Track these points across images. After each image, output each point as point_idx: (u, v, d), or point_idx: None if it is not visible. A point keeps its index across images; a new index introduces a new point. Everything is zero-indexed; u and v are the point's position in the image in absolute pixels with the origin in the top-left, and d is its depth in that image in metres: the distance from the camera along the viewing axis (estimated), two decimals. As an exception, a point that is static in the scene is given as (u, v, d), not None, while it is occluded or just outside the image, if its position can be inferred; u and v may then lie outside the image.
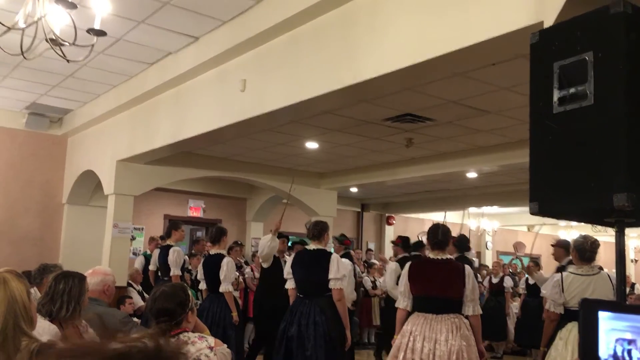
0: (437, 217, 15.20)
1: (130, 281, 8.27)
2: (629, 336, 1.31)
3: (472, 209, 14.92)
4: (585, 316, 1.36)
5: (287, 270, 5.06)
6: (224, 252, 6.57)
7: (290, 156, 9.63)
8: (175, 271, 6.93)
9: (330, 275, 4.69)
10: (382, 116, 6.97)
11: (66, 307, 2.97)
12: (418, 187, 12.17)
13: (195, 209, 12.74)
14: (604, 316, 1.32)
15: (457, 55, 3.78)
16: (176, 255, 6.98)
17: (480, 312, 4.24)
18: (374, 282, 10.35)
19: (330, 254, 4.87)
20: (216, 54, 5.92)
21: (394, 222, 15.61)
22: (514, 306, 9.95)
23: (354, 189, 12.37)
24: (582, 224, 2.86)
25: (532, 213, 2.20)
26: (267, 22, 5.17)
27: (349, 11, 4.59)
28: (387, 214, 15.65)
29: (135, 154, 7.90)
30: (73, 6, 3.26)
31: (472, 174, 9.99)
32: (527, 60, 2.31)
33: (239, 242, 9.18)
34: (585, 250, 4.53)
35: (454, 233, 5.38)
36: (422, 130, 7.50)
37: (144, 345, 0.80)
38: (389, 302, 6.88)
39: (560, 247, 6.19)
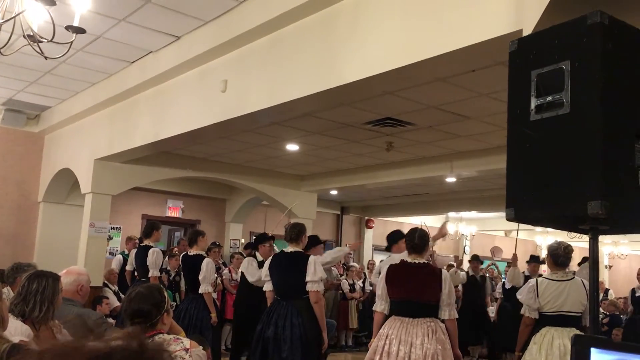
0: (416, 220, 15.30)
1: (106, 281, 8.18)
2: None
3: (451, 214, 15.05)
4: (577, 353, 1.37)
5: (265, 273, 5.05)
6: (203, 253, 6.53)
7: (271, 158, 9.61)
8: (154, 272, 6.86)
9: (308, 278, 4.69)
10: (362, 120, 6.99)
11: (39, 308, 2.92)
12: (398, 190, 12.23)
13: (174, 209, 12.64)
14: (596, 353, 1.33)
15: (437, 60, 3.81)
16: (155, 256, 6.91)
17: (457, 316, 4.27)
18: (352, 285, 10.37)
19: (308, 256, 4.87)
20: (197, 54, 5.90)
21: (373, 225, 15.65)
22: (490, 310, 10.03)
23: (333, 192, 12.39)
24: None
25: (508, 219, 2.22)
26: (250, 23, 5.16)
27: (331, 15, 4.60)
28: (366, 217, 15.69)
29: (113, 152, 7.83)
30: (52, 3, 3.22)
31: (450, 179, 10.07)
32: (507, 68, 2.34)
33: (218, 244, 9.13)
34: (559, 256, 4.59)
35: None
36: (402, 134, 7.54)
37: (127, 344, 0.79)
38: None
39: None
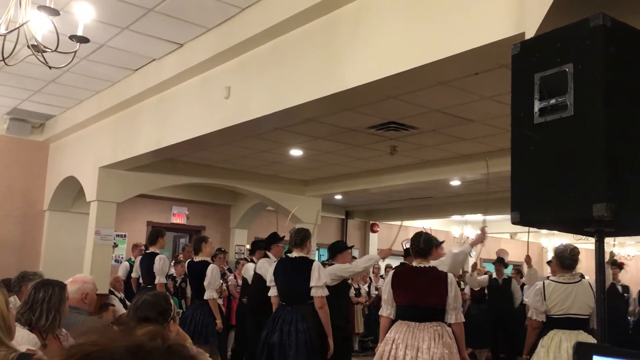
0: (421, 224, 15.27)
1: (112, 289, 8.19)
2: None
3: (456, 217, 15.01)
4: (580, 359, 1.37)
5: (270, 278, 5.04)
6: (209, 259, 6.54)
7: (275, 163, 9.62)
8: (160, 279, 6.87)
9: (312, 283, 4.68)
10: (366, 124, 6.99)
11: (46, 316, 2.94)
12: (402, 194, 12.22)
13: (178, 216, 12.66)
14: (598, 359, 1.33)
15: (440, 64, 3.81)
16: (162, 263, 6.92)
17: (463, 319, 4.25)
18: (357, 290, 10.35)
19: (312, 261, 4.86)
20: (200, 61, 5.92)
21: (378, 229, 15.64)
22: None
23: (338, 197, 12.38)
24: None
25: (514, 222, 2.21)
26: (252, 29, 5.18)
27: (333, 20, 4.61)
28: (371, 221, 15.68)
29: (118, 160, 7.85)
30: (55, 13, 3.24)
31: (455, 182, 10.05)
32: (510, 70, 2.34)
33: (223, 250, 9.14)
34: (565, 258, 4.57)
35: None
36: (405, 138, 7.53)
37: (154, 338, 0.82)
38: None
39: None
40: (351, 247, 5.98)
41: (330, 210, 14.15)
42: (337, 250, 5.69)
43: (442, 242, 5.51)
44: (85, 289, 3.76)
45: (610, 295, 7.79)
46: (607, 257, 7.81)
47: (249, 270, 7.35)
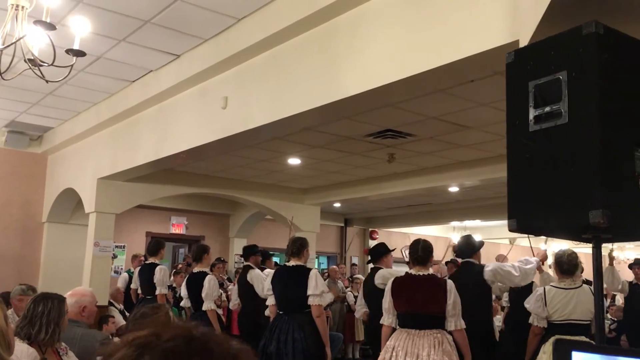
0: (420, 231, 15.28)
1: (112, 300, 8.17)
2: None
3: (455, 223, 15.01)
4: (559, 356, 1.39)
5: (267, 287, 5.04)
6: (207, 269, 6.53)
7: (273, 172, 9.63)
8: (161, 290, 6.84)
9: (309, 292, 4.68)
10: (363, 132, 7.01)
11: (45, 330, 2.93)
12: (401, 201, 12.23)
13: (177, 226, 12.66)
14: (577, 356, 1.35)
15: (436, 72, 3.83)
16: (162, 273, 6.90)
17: (464, 326, 4.24)
18: (357, 297, 10.33)
19: (309, 270, 4.86)
20: (197, 72, 5.93)
21: (377, 236, 15.63)
22: (497, 319, 9.95)
23: (337, 204, 12.39)
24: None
25: (511, 230, 2.22)
26: (248, 40, 5.20)
27: (329, 30, 4.63)
28: (370, 229, 15.68)
29: (116, 171, 7.85)
30: (52, 27, 3.26)
31: (454, 188, 10.06)
32: (505, 78, 2.35)
33: (222, 259, 9.13)
34: (563, 263, 4.58)
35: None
36: (403, 145, 7.55)
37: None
38: None
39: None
40: (393, 250, 6.02)
41: (330, 218, 14.16)
42: (378, 254, 5.78)
43: (482, 244, 5.78)
44: (83, 302, 3.75)
45: (633, 296, 7.70)
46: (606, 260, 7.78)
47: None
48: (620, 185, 1.97)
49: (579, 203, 1.95)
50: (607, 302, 11.18)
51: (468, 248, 5.65)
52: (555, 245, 14.44)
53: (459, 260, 6.40)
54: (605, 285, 7.92)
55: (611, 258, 7.82)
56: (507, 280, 5.13)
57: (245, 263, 7.09)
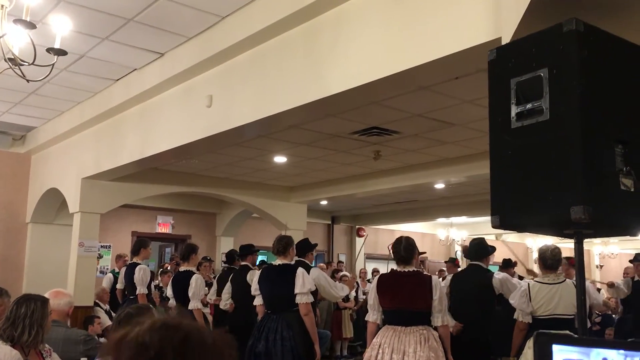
0: (407, 227, 15.34)
1: (97, 300, 8.12)
2: (576, 356, 1.36)
3: (441, 220, 15.08)
4: (539, 350, 1.41)
5: (255, 287, 5.03)
6: (194, 269, 6.50)
7: (259, 170, 9.61)
8: (141, 290, 6.81)
9: (296, 290, 4.67)
10: (349, 130, 7.02)
11: (28, 332, 2.91)
12: (387, 198, 12.26)
13: (164, 225, 12.60)
14: (557, 349, 1.38)
15: (419, 69, 3.84)
16: (142, 273, 6.85)
17: (448, 322, 4.27)
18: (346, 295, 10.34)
19: (296, 268, 4.85)
20: (182, 70, 5.90)
21: (364, 233, 15.67)
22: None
23: (323, 202, 12.40)
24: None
25: (494, 226, 2.24)
26: (233, 38, 5.18)
27: (313, 27, 4.63)
28: (357, 226, 15.71)
29: (101, 171, 7.79)
30: (32, 26, 3.22)
31: (439, 185, 10.11)
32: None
33: (209, 258, 9.10)
34: (547, 259, 4.61)
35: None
36: (389, 142, 7.57)
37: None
38: None
39: None
40: (316, 245, 6.19)
41: (316, 216, 14.17)
42: (307, 248, 5.83)
43: (494, 249, 5.96)
44: (72, 302, 3.76)
45: (637, 292, 7.73)
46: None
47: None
48: (601, 181, 1.99)
49: (561, 199, 1.96)
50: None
51: (480, 251, 5.78)
52: (540, 241, 14.53)
53: (458, 260, 6.54)
54: (616, 296, 8.11)
55: (609, 284, 7.99)
56: (508, 293, 5.19)
57: (243, 263, 7.05)
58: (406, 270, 4.28)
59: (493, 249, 5.93)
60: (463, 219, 14.69)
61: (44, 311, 2.98)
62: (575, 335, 1.78)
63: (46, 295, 3.40)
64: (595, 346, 1.35)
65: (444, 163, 8.56)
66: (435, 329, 4.17)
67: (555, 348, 1.36)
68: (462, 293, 5.65)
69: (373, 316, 4.34)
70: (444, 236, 16.18)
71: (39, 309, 2.97)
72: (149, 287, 7.07)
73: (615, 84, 2.11)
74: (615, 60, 2.13)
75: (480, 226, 15.61)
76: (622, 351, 1.32)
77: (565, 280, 4.66)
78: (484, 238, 6.06)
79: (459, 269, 7.68)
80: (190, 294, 5.96)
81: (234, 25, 5.16)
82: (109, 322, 7.45)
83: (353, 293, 10.74)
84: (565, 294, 4.51)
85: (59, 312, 3.66)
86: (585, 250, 18.69)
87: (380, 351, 4.08)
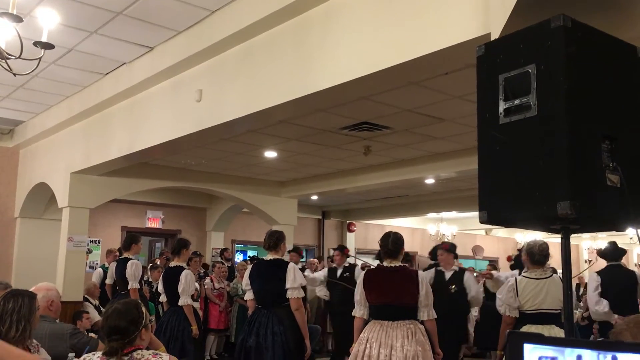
0: (397, 222, 15.38)
1: (86, 295, 8.09)
2: (550, 354, 1.37)
3: (431, 215, 15.13)
4: (511, 348, 1.43)
5: (246, 282, 5.03)
6: (184, 264, 6.48)
7: (250, 165, 9.59)
8: (133, 284, 6.79)
9: (287, 285, 4.67)
10: (339, 125, 7.01)
11: (16, 327, 2.88)
12: (378, 193, 12.28)
13: (154, 220, 12.55)
14: (528, 347, 1.39)
15: (409, 65, 3.84)
16: (134, 268, 6.83)
17: (435, 316, 4.29)
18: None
19: (287, 263, 4.85)
20: (171, 64, 5.87)
21: (355, 228, 15.69)
22: (473, 309, 10.04)
23: (314, 197, 12.40)
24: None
25: (482, 222, 2.24)
26: (222, 32, 5.16)
27: (303, 22, 4.62)
28: (348, 221, 15.73)
29: (90, 165, 7.75)
30: (18, 20, 3.19)
31: (430, 180, 10.13)
32: (476, 71, 2.36)
33: (198, 253, 9.07)
34: (534, 254, 4.63)
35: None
36: (379, 138, 7.57)
37: None
38: None
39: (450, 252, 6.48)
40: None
41: (307, 211, 14.16)
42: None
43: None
44: (50, 296, 3.76)
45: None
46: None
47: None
48: (588, 177, 2.00)
49: (548, 194, 1.97)
50: (580, 291, 11.37)
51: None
52: (529, 236, 14.63)
53: (457, 261, 6.65)
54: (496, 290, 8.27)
55: (488, 275, 8.13)
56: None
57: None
58: (392, 265, 4.29)
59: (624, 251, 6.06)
60: (453, 214, 14.74)
61: (31, 307, 2.96)
62: (547, 335, 1.80)
63: (32, 290, 3.38)
64: (565, 345, 1.36)
65: (434, 158, 8.58)
66: (422, 323, 4.20)
67: (527, 347, 1.37)
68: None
69: (360, 311, 4.35)
70: (434, 231, 16.23)
71: (26, 304, 2.95)
72: (140, 282, 7.05)
73: (602, 81, 2.12)
74: (602, 56, 2.14)
75: (470, 221, 15.68)
76: (594, 351, 1.34)
77: (552, 275, 4.68)
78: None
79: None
80: (180, 290, 5.94)
81: (223, 20, 5.13)
82: (98, 317, 7.42)
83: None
84: (552, 288, 4.54)
85: (41, 307, 3.64)
86: (574, 245, 18.82)
87: (368, 346, 4.09)
